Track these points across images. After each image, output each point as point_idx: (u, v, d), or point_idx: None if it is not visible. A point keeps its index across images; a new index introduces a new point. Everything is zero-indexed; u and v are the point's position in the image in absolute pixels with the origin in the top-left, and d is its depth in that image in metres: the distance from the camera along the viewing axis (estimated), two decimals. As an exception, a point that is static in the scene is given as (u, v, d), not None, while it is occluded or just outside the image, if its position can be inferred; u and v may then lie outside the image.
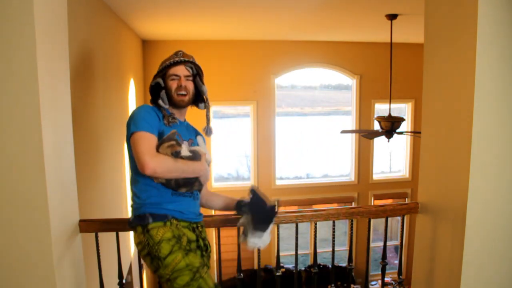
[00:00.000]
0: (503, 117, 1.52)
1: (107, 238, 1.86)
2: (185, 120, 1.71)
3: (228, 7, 3.65)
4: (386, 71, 4.59)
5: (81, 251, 1.65)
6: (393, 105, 4.50)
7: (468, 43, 1.46)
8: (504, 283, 1.62)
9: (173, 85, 1.59)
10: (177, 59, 1.61)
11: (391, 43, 4.30)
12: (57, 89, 1.42)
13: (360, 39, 6.01)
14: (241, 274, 1.96)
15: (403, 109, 6.86)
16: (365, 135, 4.54)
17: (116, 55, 3.95)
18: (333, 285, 2.08)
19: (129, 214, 1.55)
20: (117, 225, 1.69)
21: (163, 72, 1.61)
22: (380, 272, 2.03)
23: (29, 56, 1.20)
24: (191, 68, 1.62)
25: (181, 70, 1.60)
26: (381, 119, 4.09)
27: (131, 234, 3.75)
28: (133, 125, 1.47)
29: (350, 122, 6.70)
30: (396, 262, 7.22)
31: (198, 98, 1.69)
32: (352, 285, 5.92)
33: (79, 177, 1.69)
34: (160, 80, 1.61)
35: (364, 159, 6.65)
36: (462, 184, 1.53)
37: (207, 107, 1.71)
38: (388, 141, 4.22)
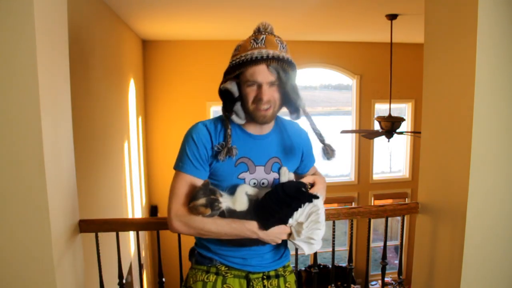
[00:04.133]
0: (503, 117, 1.52)
1: (107, 238, 1.86)
2: (270, 132, 1.22)
3: (228, 7, 3.65)
4: (386, 71, 4.59)
5: (81, 251, 1.65)
6: (393, 105, 4.50)
7: (468, 43, 1.46)
8: (505, 283, 1.62)
9: (250, 94, 1.11)
10: (256, 53, 1.08)
11: (391, 43, 4.30)
12: (57, 89, 1.42)
13: (360, 39, 6.01)
14: (241, 274, 1.96)
15: (403, 109, 6.86)
16: (365, 135, 4.54)
17: (116, 55, 3.95)
18: (333, 285, 2.08)
19: (129, 214, 1.54)
20: (117, 225, 1.69)
21: (237, 71, 1.11)
22: (380, 272, 2.03)
23: (29, 56, 1.20)
24: (278, 70, 1.09)
25: (263, 75, 1.08)
26: (381, 119, 4.09)
27: (131, 234, 3.77)
28: (178, 157, 1.16)
29: (350, 122, 6.70)
30: (396, 262, 7.22)
31: (290, 106, 1.20)
32: (352, 285, 5.92)
33: (79, 177, 1.69)
34: (231, 86, 1.12)
35: (364, 159, 6.65)
36: (462, 184, 1.53)
37: (309, 121, 1.20)
38: (388, 141, 4.22)
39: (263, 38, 1.11)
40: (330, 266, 2.05)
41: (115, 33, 3.89)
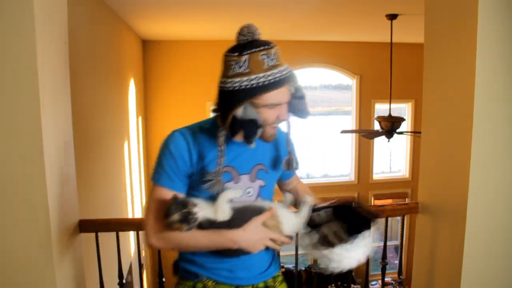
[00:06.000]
0: (503, 117, 1.52)
1: (107, 238, 1.86)
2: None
3: (228, 7, 3.65)
4: (386, 71, 4.59)
5: (81, 251, 1.65)
6: (393, 105, 4.50)
7: (468, 43, 1.46)
8: (505, 283, 1.62)
9: (272, 117, 1.03)
10: (276, 73, 1.00)
11: (391, 43, 4.30)
12: (57, 89, 1.42)
13: (360, 39, 6.01)
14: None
15: (403, 109, 6.86)
16: (365, 135, 4.54)
17: (116, 55, 3.95)
18: (333, 285, 2.07)
19: (129, 214, 1.54)
20: (117, 225, 1.69)
21: (257, 94, 0.99)
22: (380, 272, 2.03)
23: (29, 56, 1.20)
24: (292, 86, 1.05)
25: (284, 95, 1.03)
26: (381, 119, 4.09)
27: (131, 234, 3.77)
28: (154, 169, 1.11)
29: (350, 122, 6.70)
30: (396, 262, 7.22)
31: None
32: (352, 285, 5.91)
33: (79, 177, 1.69)
34: (252, 111, 1.01)
35: (364, 159, 6.65)
36: (462, 184, 1.53)
37: (288, 128, 1.19)
38: (388, 141, 4.22)
39: (274, 53, 1.03)
40: (330, 266, 2.03)
41: (115, 33, 3.89)
